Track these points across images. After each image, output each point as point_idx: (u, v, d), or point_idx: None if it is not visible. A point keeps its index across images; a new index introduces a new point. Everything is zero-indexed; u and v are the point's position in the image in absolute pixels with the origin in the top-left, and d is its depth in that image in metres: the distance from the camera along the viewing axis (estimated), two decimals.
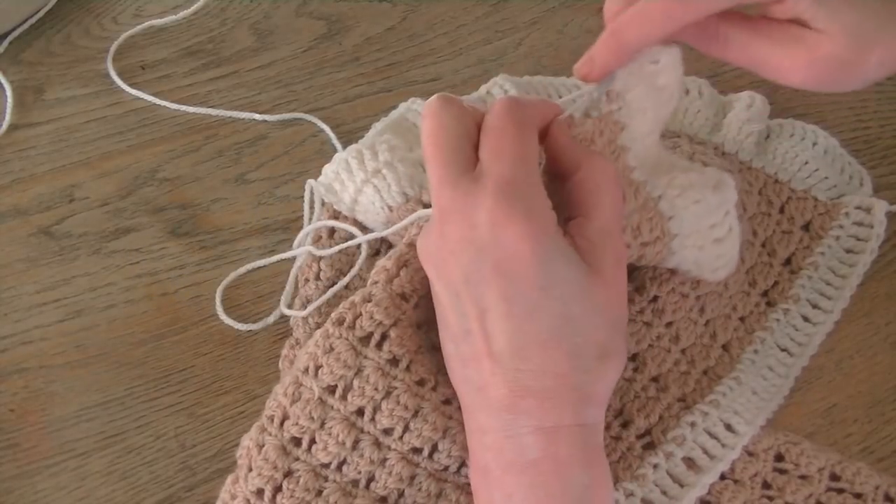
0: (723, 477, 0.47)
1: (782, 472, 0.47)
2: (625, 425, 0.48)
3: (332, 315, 0.43)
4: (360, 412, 0.42)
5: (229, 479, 0.43)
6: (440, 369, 0.43)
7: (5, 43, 0.67)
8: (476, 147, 0.40)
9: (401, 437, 0.42)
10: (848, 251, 0.55)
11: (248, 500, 0.42)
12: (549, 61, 0.66)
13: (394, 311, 0.42)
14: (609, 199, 0.40)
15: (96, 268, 0.55)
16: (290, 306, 0.53)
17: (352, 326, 0.42)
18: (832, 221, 0.56)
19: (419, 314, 0.43)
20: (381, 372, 0.41)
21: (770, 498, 0.46)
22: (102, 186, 0.59)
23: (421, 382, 0.42)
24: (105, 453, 0.48)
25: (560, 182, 0.42)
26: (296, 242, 0.55)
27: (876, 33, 0.41)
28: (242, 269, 0.54)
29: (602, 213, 0.40)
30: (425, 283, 0.43)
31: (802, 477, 0.47)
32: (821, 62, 0.41)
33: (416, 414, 0.42)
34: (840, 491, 0.46)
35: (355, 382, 0.41)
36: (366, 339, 0.42)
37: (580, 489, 0.38)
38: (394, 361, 0.42)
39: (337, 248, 0.53)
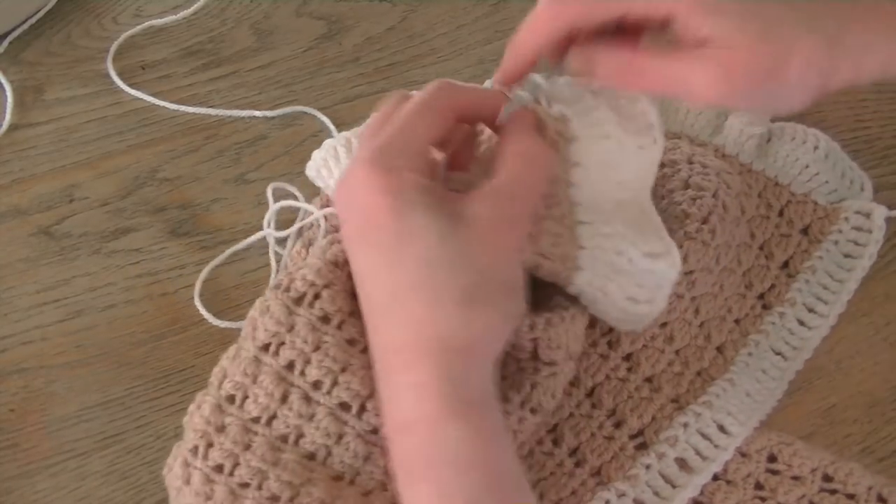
0: (715, 478, 0.47)
1: (775, 472, 0.47)
2: (617, 425, 0.48)
3: (271, 283, 0.43)
4: (290, 366, 0.43)
5: (175, 445, 0.44)
6: None
7: (5, 43, 0.67)
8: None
9: (329, 392, 0.42)
10: (846, 256, 0.55)
11: (185, 460, 0.42)
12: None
13: (326, 273, 0.43)
14: (514, 166, 0.41)
15: (96, 268, 0.55)
16: None
17: (287, 290, 0.43)
18: (831, 226, 0.56)
19: (354, 284, 0.44)
20: (311, 327, 0.42)
21: (763, 499, 0.46)
22: (102, 186, 0.59)
23: (351, 342, 0.43)
24: (105, 453, 0.49)
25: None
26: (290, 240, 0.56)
27: (788, 41, 0.40)
28: (213, 263, 0.55)
29: (499, 175, 0.41)
30: None
31: (795, 478, 0.47)
32: (734, 77, 0.40)
33: (344, 369, 0.42)
34: (833, 492, 0.46)
35: (287, 337, 0.42)
36: (299, 300, 0.43)
37: (453, 443, 0.37)
38: (325, 318, 0.43)
39: (295, 227, 0.55)
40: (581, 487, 0.46)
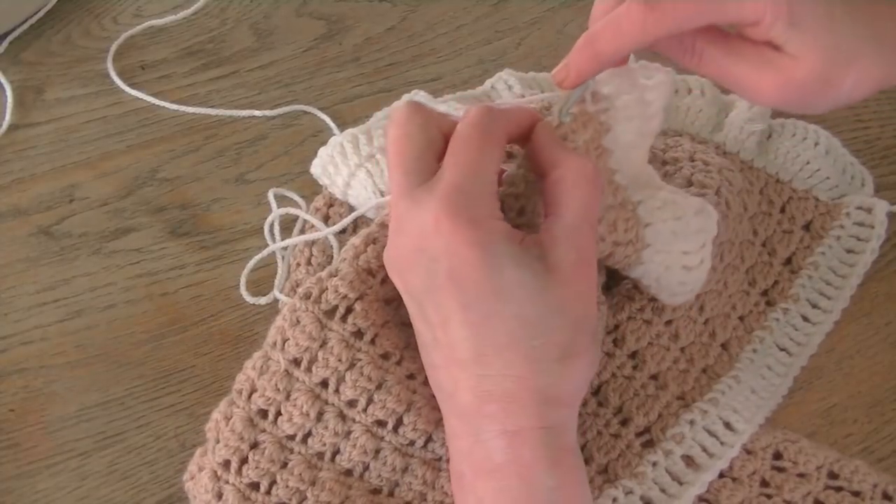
0: (721, 475, 0.47)
1: (780, 470, 0.47)
2: (624, 423, 0.48)
3: (300, 290, 0.43)
4: (324, 384, 0.42)
5: (198, 451, 0.44)
6: (408, 344, 0.43)
7: (5, 43, 0.67)
8: (439, 157, 0.40)
9: (364, 409, 0.42)
10: (848, 251, 0.55)
11: (215, 472, 0.42)
12: (549, 61, 0.66)
13: (359, 284, 0.43)
14: (580, 196, 0.40)
15: (96, 268, 0.55)
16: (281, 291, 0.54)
17: (318, 300, 0.43)
18: (833, 221, 0.56)
19: (388, 290, 0.43)
20: (345, 344, 0.42)
21: (768, 496, 0.46)
22: (102, 186, 0.59)
23: (385, 356, 0.43)
24: (105, 453, 0.48)
25: (540, 181, 0.42)
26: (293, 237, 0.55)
27: (851, 57, 0.41)
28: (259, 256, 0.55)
29: (569, 210, 0.39)
30: None
31: (801, 475, 0.47)
32: (792, 86, 0.41)
33: (379, 386, 0.42)
34: (838, 489, 0.46)
35: (320, 354, 0.42)
36: (331, 313, 0.42)
37: (546, 491, 0.38)
38: (358, 334, 0.42)
39: (301, 238, 0.54)
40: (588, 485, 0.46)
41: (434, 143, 0.41)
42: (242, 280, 0.54)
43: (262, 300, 0.53)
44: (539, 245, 0.39)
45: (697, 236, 0.46)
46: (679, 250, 0.46)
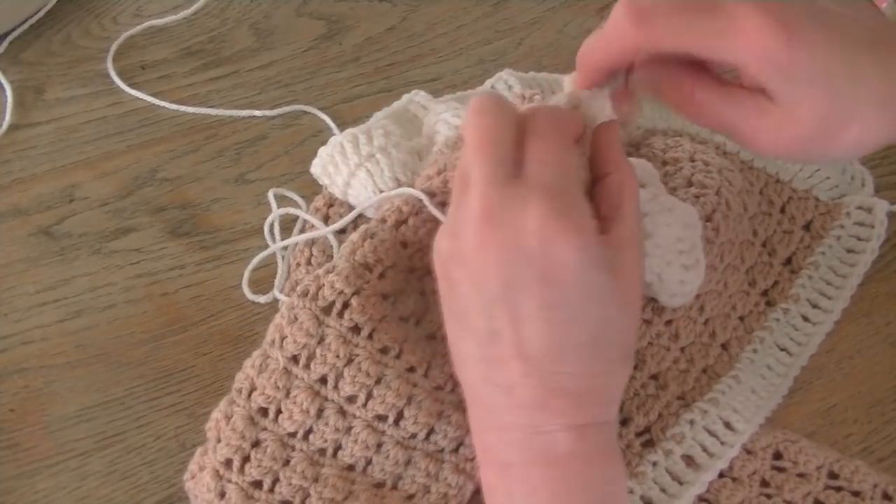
0: (721, 475, 0.47)
1: (781, 470, 0.47)
2: (624, 423, 0.48)
3: (298, 287, 0.43)
4: (323, 380, 0.43)
5: (198, 451, 0.44)
6: (407, 338, 0.43)
7: (5, 43, 0.67)
8: (520, 151, 0.40)
9: (364, 405, 0.43)
10: (849, 251, 0.55)
11: (217, 472, 0.42)
12: (549, 61, 0.66)
13: (355, 280, 0.43)
14: (633, 206, 0.41)
15: (96, 268, 0.55)
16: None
17: (315, 297, 0.43)
18: (833, 221, 0.56)
19: (385, 284, 0.44)
20: (342, 339, 0.42)
21: (768, 496, 0.46)
22: (102, 186, 0.59)
23: (384, 350, 0.43)
24: (105, 453, 0.48)
25: (592, 181, 0.42)
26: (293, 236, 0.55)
27: (850, 116, 0.39)
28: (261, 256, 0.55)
29: (627, 219, 0.40)
30: (391, 254, 0.44)
31: (801, 475, 0.47)
32: (790, 139, 0.40)
33: (378, 381, 0.42)
34: (838, 489, 0.46)
35: (318, 351, 0.42)
36: (328, 309, 0.43)
37: (603, 483, 0.40)
38: (355, 329, 0.42)
39: (301, 237, 0.54)
40: None
41: (517, 137, 0.40)
42: (245, 277, 0.54)
43: (262, 299, 0.53)
44: (610, 247, 0.39)
45: (688, 231, 0.47)
46: (676, 248, 0.46)
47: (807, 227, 0.56)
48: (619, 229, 0.40)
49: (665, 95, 0.42)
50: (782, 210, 0.57)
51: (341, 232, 0.54)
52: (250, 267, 0.54)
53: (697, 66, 0.41)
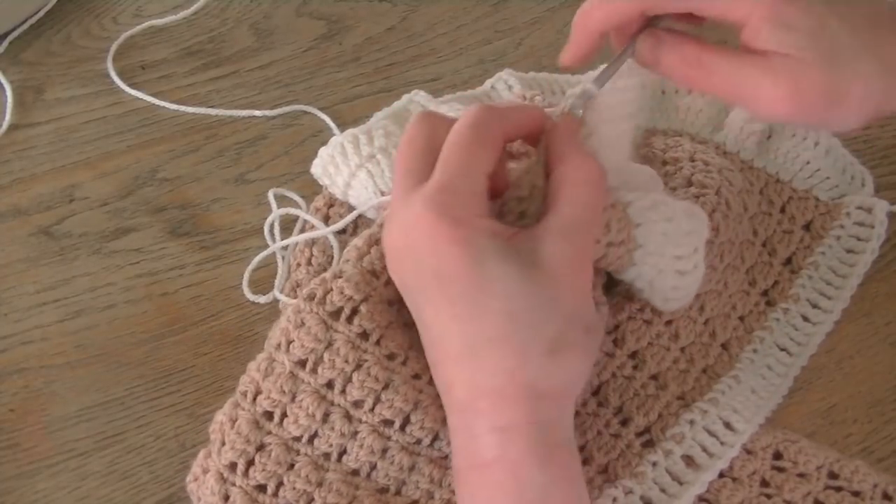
0: (721, 475, 0.47)
1: (781, 470, 0.47)
2: (624, 423, 0.48)
3: (304, 291, 0.43)
4: (329, 385, 0.42)
5: (201, 453, 0.44)
6: (412, 345, 0.43)
7: (5, 43, 0.67)
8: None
9: (371, 409, 0.42)
10: (849, 251, 0.55)
11: (221, 475, 0.42)
12: (549, 61, 0.66)
13: (364, 286, 0.43)
14: (582, 194, 0.40)
15: (96, 268, 0.55)
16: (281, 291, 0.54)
17: (322, 302, 0.43)
18: (833, 221, 0.56)
19: (390, 291, 0.44)
20: (351, 345, 0.42)
21: (768, 496, 0.46)
22: (102, 186, 0.59)
23: (391, 356, 0.43)
24: (105, 453, 0.48)
25: (547, 177, 0.42)
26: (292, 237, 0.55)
27: (853, 65, 0.40)
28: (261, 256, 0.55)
29: (568, 207, 0.40)
30: None
31: (801, 475, 0.47)
32: (805, 91, 0.40)
33: (386, 386, 0.42)
34: (838, 489, 0.46)
35: (325, 355, 0.42)
36: (336, 314, 0.43)
37: (537, 488, 0.38)
38: (364, 335, 0.42)
39: (301, 236, 0.54)
40: (588, 485, 0.46)
41: (436, 147, 0.41)
42: (245, 278, 0.54)
43: (262, 299, 0.53)
44: (532, 240, 0.39)
45: (689, 238, 0.46)
46: (672, 254, 0.46)
47: (807, 226, 0.56)
48: (549, 220, 0.39)
49: (667, 63, 0.42)
50: (782, 210, 0.56)
51: (341, 232, 0.54)
52: (250, 267, 0.54)
53: (697, 36, 0.42)
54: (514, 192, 0.42)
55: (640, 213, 0.45)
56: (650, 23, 0.43)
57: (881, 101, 0.41)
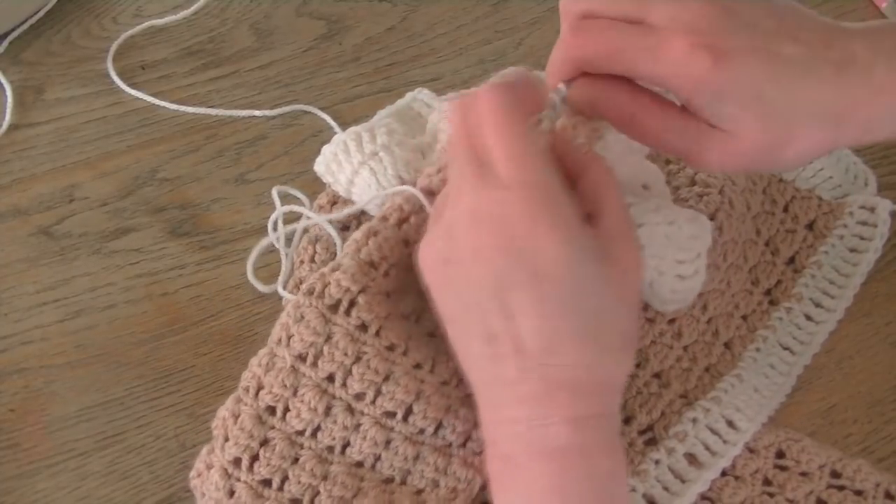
0: (724, 473, 0.47)
1: (783, 468, 0.47)
2: (627, 421, 0.49)
3: (303, 286, 0.44)
4: (330, 378, 0.43)
5: (204, 449, 0.44)
6: (411, 336, 0.44)
7: (5, 43, 0.67)
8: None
9: (373, 402, 0.43)
10: (852, 250, 0.55)
11: (225, 470, 0.43)
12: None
13: (361, 277, 0.43)
14: (617, 196, 0.41)
15: (96, 268, 0.55)
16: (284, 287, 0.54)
17: (321, 295, 0.43)
18: (836, 221, 0.56)
19: (389, 282, 0.44)
20: (350, 337, 0.42)
21: (771, 494, 0.46)
22: (102, 186, 0.59)
23: (391, 347, 0.43)
24: (105, 453, 0.48)
25: (569, 183, 0.42)
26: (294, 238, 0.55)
27: (790, 128, 0.40)
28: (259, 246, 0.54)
29: (613, 209, 0.40)
30: (395, 252, 0.44)
31: (803, 474, 0.47)
32: (734, 158, 0.41)
33: (387, 378, 0.42)
34: (840, 488, 0.46)
35: (325, 349, 0.42)
36: (334, 307, 0.43)
37: (604, 475, 0.40)
38: (363, 327, 0.43)
39: (303, 223, 0.54)
40: None
41: (479, 133, 0.40)
42: (249, 266, 0.53)
43: (265, 289, 0.53)
44: (600, 238, 0.40)
45: (692, 243, 0.46)
46: (673, 258, 0.46)
47: (810, 226, 0.56)
48: (606, 221, 0.40)
49: (601, 113, 0.43)
50: (785, 209, 0.57)
51: (345, 229, 0.54)
52: (253, 256, 0.53)
53: (638, 87, 0.42)
54: None
55: (643, 213, 0.45)
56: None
57: (825, 146, 0.41)
